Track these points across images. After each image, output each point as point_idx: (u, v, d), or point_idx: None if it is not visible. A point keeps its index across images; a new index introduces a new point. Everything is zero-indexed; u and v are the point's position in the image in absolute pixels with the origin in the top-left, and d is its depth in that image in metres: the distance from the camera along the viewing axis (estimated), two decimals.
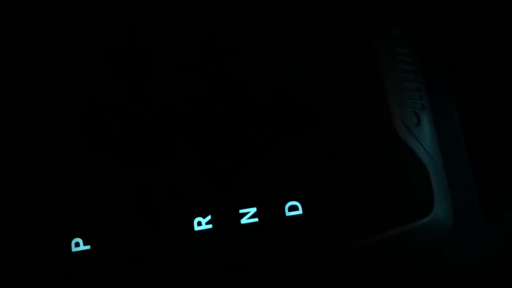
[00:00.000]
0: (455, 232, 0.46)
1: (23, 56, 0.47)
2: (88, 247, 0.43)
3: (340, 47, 0.47)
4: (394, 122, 0.46)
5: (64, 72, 0.46)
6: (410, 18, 0.51)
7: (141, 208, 0.43)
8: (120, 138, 0.45)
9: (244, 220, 0.43)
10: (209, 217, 0.43)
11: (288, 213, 0.43)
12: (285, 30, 0.47)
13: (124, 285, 0.42)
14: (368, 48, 0.47)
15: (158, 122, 0.45)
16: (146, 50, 0.47)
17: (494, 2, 0.52)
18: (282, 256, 0.43)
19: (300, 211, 0.43)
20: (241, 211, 0.43)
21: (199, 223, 0.43)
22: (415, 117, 0.47)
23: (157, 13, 0.47)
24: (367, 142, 0.45)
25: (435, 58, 0.51)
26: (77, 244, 0.43)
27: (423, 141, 0.47)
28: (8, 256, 0.43)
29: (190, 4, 0.47)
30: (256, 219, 0.43)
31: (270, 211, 0.43)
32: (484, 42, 0.53)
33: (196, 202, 0.43)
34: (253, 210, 0.43)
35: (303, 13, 0.47)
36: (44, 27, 0.47)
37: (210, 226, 0.43)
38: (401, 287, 0.43)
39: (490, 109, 0.52)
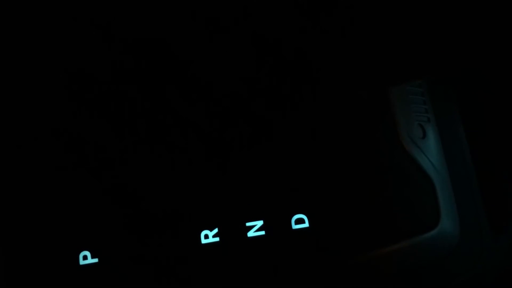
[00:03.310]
0: (462, 245, 0.46)
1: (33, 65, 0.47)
2: (96, 260, 0.43)
3: (345, 60, 0.47)
4: (400, 135, 0.46)
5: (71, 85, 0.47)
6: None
7: (148, 221, 0.43)
8: (126, 152, 0.45)
9: (250, 233, 0.43)
10: (216, 230, 0.43)
11: (294, 226, 0.43)
12: (292, 42, 0.47)
13: None
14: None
15: (165, 136, 0.45)
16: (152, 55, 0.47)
17: (497, 15, 0.52)
18: (289, 269, 0.43)
19: (306, 224, 0.43)
20: (248, 224, 0.43)
21: (206, 236, 0.43)
22: (420, 130, 0.48)
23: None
24: (373, 155, 0.45)
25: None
26: (85, 257, 0.43)
27: (429, 154, 0.47)
28: (16, 269, 0.43)
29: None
30: (262, 232, 0.43)
31: (276, 224, 0.43)
32: (487, 54, 0.53)
33: (203, 215, 0.44)
34: (259, 223, 0.43)
35: (312, 26, 0.48)
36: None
37: (217, 239, 0.43)
38: None
39: (495, 121, 0.52)
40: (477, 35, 0.51)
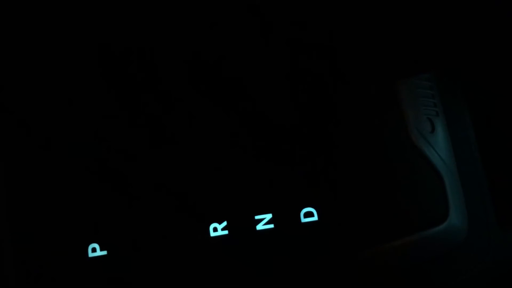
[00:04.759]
0: (470, 239, 0.46)
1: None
2: (104, 252, 0.43)
3: (353, 54, 0.47)
4: (409, 129, 0.46)
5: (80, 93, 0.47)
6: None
7: (157, 214, 0.43)
8: (137, 146, 0.45)
9: (259, 226, 0.43)
10: (225, 223, 0.43)
11: (303, 220, 0.43)
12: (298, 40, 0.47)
13: None
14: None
15: (174, 130, 0.45)
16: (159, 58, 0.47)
17: (503, 9, 0.52)
18: (298, 262, 0.43)
19: (315, 218, 0.43)
20: (257, 217, 0.43)
21: (215, 229, 0.43)
22: (429, 124, 0.47)
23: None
24: (382, 149, 0.45)
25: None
26: (93, 250, 0.43)
27: (438, 148, 0.47)
28: (25, 262, 0.43)
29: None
30: (271, 225, 0.43)
31: (285, 218, 0.43)
32: (496, 48, 0.53)
33: (212, 208, 0.43)
34: (268, 216, 0.43)
35: (318, 25, 0.47)
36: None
37: (226, 232, 0.43)
38: None
39: (503, 115, 0.52)
40: (484, 29, 0.50)
